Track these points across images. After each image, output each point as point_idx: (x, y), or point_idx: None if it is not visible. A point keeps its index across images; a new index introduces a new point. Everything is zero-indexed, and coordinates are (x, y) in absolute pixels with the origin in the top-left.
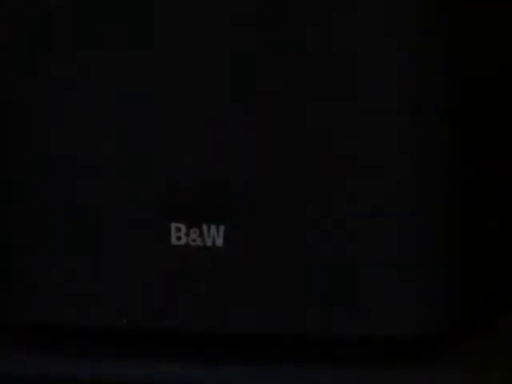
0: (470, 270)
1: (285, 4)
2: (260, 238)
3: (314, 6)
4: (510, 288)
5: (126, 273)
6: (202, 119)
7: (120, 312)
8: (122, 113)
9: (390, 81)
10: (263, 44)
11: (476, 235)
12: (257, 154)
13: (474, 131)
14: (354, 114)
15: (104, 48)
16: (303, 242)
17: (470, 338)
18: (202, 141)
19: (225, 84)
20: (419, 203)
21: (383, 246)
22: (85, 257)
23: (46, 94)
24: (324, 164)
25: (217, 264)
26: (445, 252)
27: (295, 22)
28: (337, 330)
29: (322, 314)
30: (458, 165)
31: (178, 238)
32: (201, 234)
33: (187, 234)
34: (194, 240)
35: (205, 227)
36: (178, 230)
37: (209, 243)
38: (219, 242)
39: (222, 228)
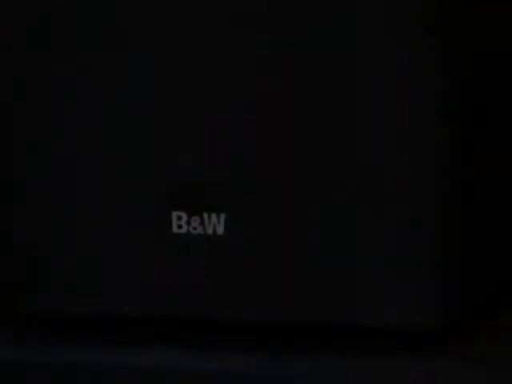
0: (470, 270)
1: (285, 4)
2: (261, 226)
3: (314, 6)
4: (510, 288)
5: (127, 260)
6: (201, 119)
7: (121, 300)
8: (122, 112)
9: (389, 81)
10: (263, 44)
11: (476, 235)
12: (257, 148)
13: (474, 131)
14: (353, 114)
15: (104, 48)
16: (303, 237)
17: (470, 338)
18: (201, 140)
19: (225, 84)
20: (419, 203)
21: (383, 245)
22: (85, 245)
23: (45, 93)
24: (324, 164)
25: (217, 252)
26: (445, 252)
27: (295, 22)
28: (337, 322)
29: (323, 302)
30: (458, 165)
31: (179, 227)
32: (202, 223)
33: (188, 223)
34: (194, 228)
35: (205, 215)
36: (179, 218)
37: (210, 231)
38: (220, 230)
39: (222, 216)
